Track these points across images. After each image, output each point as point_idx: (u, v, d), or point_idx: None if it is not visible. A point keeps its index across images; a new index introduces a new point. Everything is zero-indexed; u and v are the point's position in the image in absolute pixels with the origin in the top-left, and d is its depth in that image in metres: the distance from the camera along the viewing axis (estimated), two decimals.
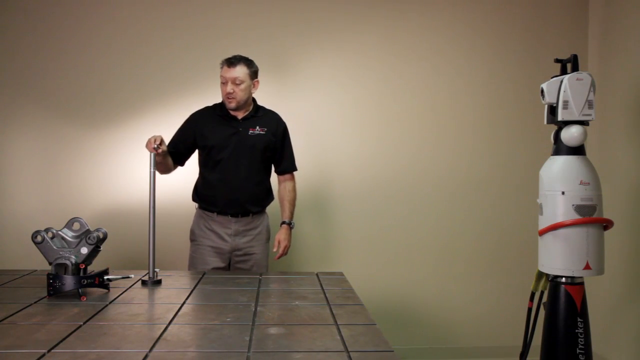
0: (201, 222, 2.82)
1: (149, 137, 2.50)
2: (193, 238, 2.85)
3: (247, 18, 3.54)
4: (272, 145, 2.84)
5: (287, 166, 2.93)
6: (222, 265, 2.78)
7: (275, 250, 2.84)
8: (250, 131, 2.78)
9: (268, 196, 2.91)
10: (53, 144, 3.48)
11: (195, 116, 2.86)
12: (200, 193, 2.85)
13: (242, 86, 2.71)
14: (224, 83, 2.72)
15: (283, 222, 2.89)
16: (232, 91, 2.69)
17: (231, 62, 2.71)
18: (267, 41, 3.54)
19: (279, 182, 2.97)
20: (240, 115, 2.80)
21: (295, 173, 2.99)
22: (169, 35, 3.51)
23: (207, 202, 2.81)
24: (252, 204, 2.80)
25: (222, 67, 2.74)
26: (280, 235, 2.85)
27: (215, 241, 2.78)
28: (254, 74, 2.77)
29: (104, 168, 3.50)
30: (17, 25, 3.46)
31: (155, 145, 2.45)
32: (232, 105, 2.74)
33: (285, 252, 2.87)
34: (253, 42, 3.48)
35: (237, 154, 2.75)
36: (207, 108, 2.88)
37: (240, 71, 2.70)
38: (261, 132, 2.79)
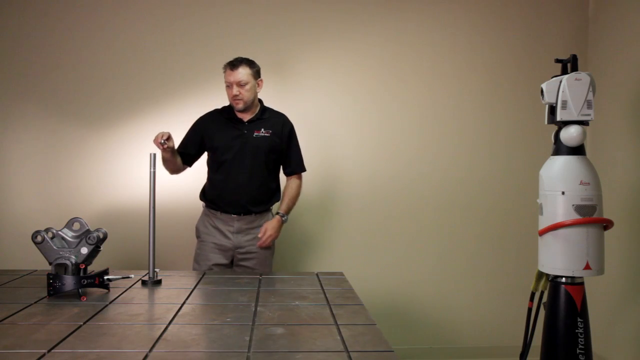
0: (206, 220, 2.88)
1: (157, 132, 2.58)
2: (198, 235, 2.91)
3: (249, 18, 3.54)
4: (278, 147, 2.86)
5: (295, 168, 2.96)
6: (225, 262, 2.81)
7: (260, 236, 2.81)
8: (255, 133, 2.81)
9: (273, 197, 2.92)
10: (53, 144, 3.48)
11: (203, 118, 2.91)
12: (206, 192, 2.90)
13: (247, 87, 2.75)
14: (228, 86, 2.77)
15: (277, 213, 2.89)
16: (237, 93, 2.74)
17: (233, 64, 2.76)
18: (268, 41, 3.53)
19: (286, 180, 2.99)
20: (246, 117, 2.84)
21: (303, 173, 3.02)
22: (170, 35, 3.51)
23: (212, 201, 2.86)
24: (254, 205, 2.82)
25: (225, 71, 2.79)
26: (269, 224, 2.83)
27: (219, 238, 2.82)
28: (256, 74, 2.81)
29: (104, 168, 3.50)
30: (17, 25, 3.45)
31: (162, 141, 2.51)
32: (240, 106, 2.78)
33: (269, 243, 2.83)
34: (254, 42, 3.49)
35: (241, 156, 2.79)
36: (215, 111, 2.93)
37: (243, 72, 2.74)
38: (266, 135, 2.82)
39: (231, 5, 3.54)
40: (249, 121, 2.83)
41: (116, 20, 3.50)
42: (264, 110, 2.90)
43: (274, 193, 2.93)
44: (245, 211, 2.80)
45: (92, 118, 3.49)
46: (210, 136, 2.84)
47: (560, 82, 2.43)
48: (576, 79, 2.41)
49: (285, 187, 2.97)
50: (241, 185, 2.78)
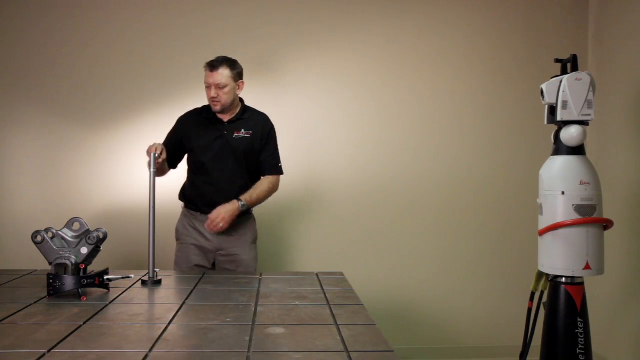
0: (185, 221, 2.82)
1: (150, 144, 2.50)
2: (178, 237, 2.85)
3: (249, 17, 3.53)
4: (257, 148, 2.79)
5: (267, 169, 2.82)
6: (206, 264, 2.75)
7: (210, 217, 2.65)
8: (235, 134, 2.74)
9: None
10: (53, 144, 3.48)
11: (182, 119, 2.86)
12: (186, 193, 2.85)
13: (226, 89, 2.67)
14: (207, 87, 2.69)
15: (237, 200, 2.70)
16: (216, 95, 2.67)
17: (213, 65, 2.67)
18: (268, 41, 3.54)
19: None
20: (226, 118, 2.77)
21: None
22: (169, 36, 3.51)
23: (192, 202, 2.81)
24: None
25: (205, 71, 2.70)
26: (223, 207, 2.65)
27: (199, 240, 2.76)
28: (237, 76, 2.72)
29: (104, 168, 3.50)
30: (17, 25, 3.46)
31: (157, 155, 2.45)
32: (217, 108, 2.71)
33: (218, 228, 2.65)
34: (254, 42, 3.50)
35: (221, 158, 2.73)
36: (195, 110, 2.86)
37: (223, 74, 2.65)
38: (246, 136, 2.75)
39: (231, 5, 3.54)
40: (229, 122, 2.76)
41: (116, 21, 3.50)
42: (245, 110, 2.81)
43: None
44: None
45: (92, 118, 3.49)
46: (189, 137, 2.78)
47: (561, 82, 2.43)
48: (576, 79, 2.40)
49: (258, 182, 2.82)
50: (222, 187, 2.72)
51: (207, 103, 2.88)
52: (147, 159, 2.44)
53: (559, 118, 2.43)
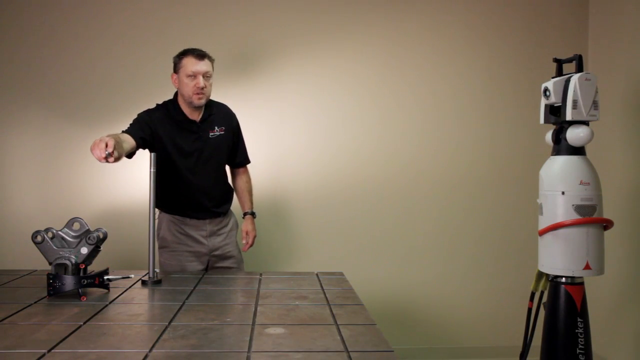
0: (172, 228, 2.69)
1: (96, 138, 2.08)
2: (164, 244, 2.69)
3: (251, 18, 3.53)
4: (231, 143, 2.76)
5: (242, 160, 2.86)
6: (201, 267, 2.70)
7: (244, 242, 2.80)
8: (211, 134, 2.64)
9: (230, 192, 2.85)
10: (53, 144, 3.48)
11: (152, 117, 2.59)
12: (167, 201, 2.68)
13: (211, 81, 2.58)
14: (191, 77, 2.52)
15: (246, 213, 2.85)
16: (204, 86, 2.52)
17: (201, 55, 2.55)
18: (268, 40, 3.54)
19: (235, 175, 2.89)
20: (196, 116, 2.62)
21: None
22: (170, 36, 3.51)
23: (176, 209, 2.69)
24: (220, 206, 2.74)
25: (185, 59, 2.56)
26: (248, 226, 2.82)
27: (192, 245, 2.68)
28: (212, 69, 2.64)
29: (104, 168, 3.48)
30: (17, 26, 3.45)
31: (107, 154, 2.05)
32: (202, 101, 2.56)
33: (252, 243, 2.84)
34: (256, 42, 3.50)
35: (203, 161, 2.64)
36: (161, 110, 2.64)
37: (209, 64, 2.58)
38: (221, 133, 2.67)
39: (233, 4, 3.54)
40: (201, 120, 2.62)
41: (116, 21, 3.50)
42: (210, 105, 2.68)
43: (230, 188, 2.86)
44: (214, 214, 2.71)
45: (92, 118, 3.48)
46: (162, 141, 2.56)
47: (567, 81, 2.42)
48: (586, 79, 2.40)
49: (240, 184, 2.87)
50: (207, 190, 2.67)
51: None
52: (147, 158, 2.36)
53: (569, 118, 2.40)
